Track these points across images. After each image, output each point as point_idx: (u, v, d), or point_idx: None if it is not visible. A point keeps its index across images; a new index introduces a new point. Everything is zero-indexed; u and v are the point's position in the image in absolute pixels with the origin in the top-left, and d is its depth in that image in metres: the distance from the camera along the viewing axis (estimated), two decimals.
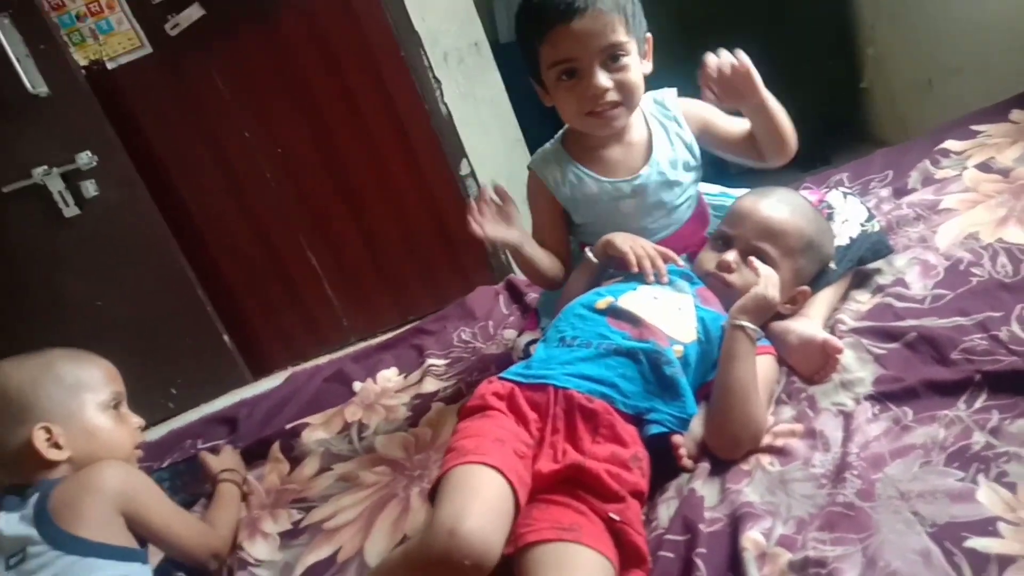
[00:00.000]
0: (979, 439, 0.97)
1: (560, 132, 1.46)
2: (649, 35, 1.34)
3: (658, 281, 1.24)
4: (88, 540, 1.10)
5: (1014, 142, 1.61)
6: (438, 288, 2.95)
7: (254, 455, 1.57)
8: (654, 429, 1.09)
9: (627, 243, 1.30)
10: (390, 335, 1.94)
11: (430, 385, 1.62)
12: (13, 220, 2.57)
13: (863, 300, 1.33)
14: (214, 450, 1.56)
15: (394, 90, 2.66)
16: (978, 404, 1.03)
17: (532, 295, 1.81)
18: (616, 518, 0.98)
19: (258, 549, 1.31)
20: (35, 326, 2.65)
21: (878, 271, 1.38)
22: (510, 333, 1.71)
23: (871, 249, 1.37)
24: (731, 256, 1.24)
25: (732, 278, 1.22)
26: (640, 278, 1.25)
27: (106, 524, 1.13)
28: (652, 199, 1.39)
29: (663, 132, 1.40)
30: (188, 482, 1.51)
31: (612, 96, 1.29)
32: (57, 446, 1.19)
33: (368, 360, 1.83)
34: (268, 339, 2.97)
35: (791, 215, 1.25)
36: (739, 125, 1.38)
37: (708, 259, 1.27)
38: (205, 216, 2.78)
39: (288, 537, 1.32)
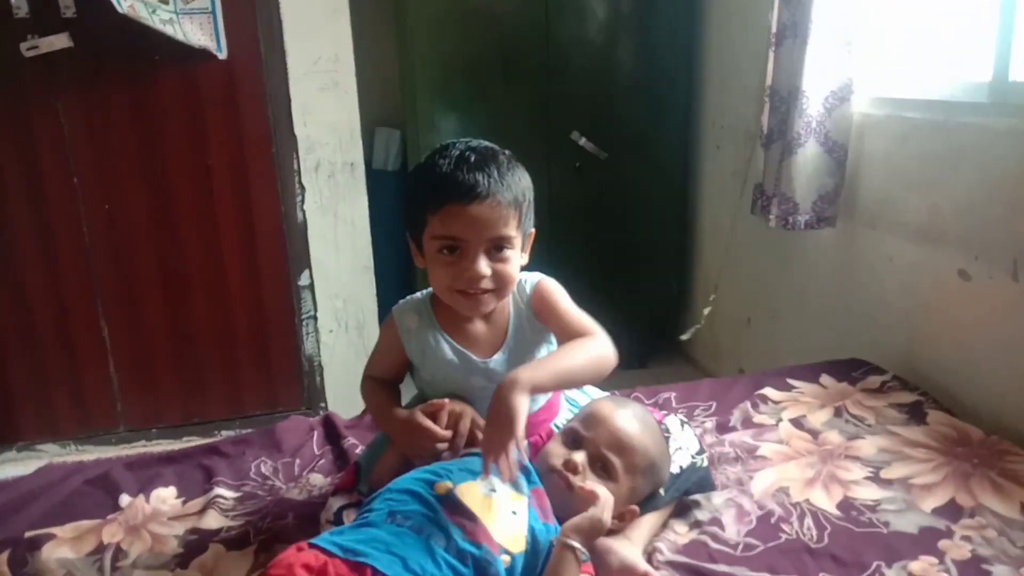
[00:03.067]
0: None
1: (431, 290, 1.41)
2: (533, 230, 1.34)
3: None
4: None
5: (822, 406, 1.77)
6: (237, 398, 2.73)
7: None
8: None
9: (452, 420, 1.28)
10: (177, 447, 1.72)
11: (213, 520, 1.42)
12: None
13: (680, 532, 1.35)
14: None
15: (254, 183, 2.55)
16: None
17: (351, 440, 1.69)
18: None
19: None
20: None
21: (696, 504, 1.42)
22: (317, 478, 1.57)
23: (697, 483, 1.41)
24: (580, 458, 1.21)
25: (575, 481, 1.20)
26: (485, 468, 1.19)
27: None
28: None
29: (519, 318, 1.39)
30: None
31: (487, 284, 1.26)
32: None
33: (144, 471, 1.60)
34: (20, 400, 2.57)
35: (642, 433, 1.26)
36: (564, 332, 1.33)
37: (556, 455, 1.24)
38: None
39: None
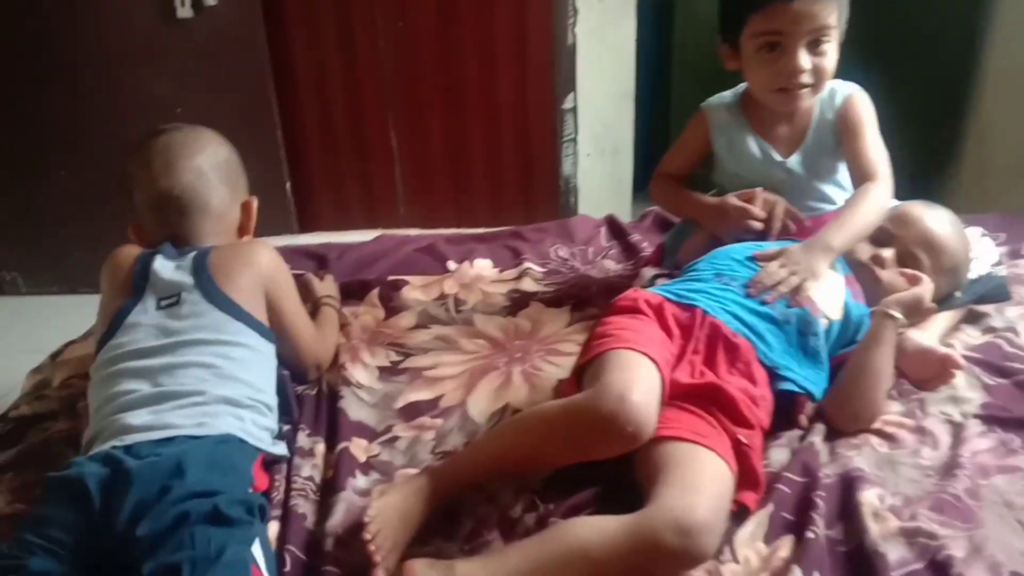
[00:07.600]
0: None
1: (739, 90, 1.49)
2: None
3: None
4: (238, 304, 1.14)
5: None
6: (500, 208, 2.98)
7: (349, 294, 1.60)
8: (785, 385, 1.15)
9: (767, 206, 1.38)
10: (483, 230, 1.97)
11: (528, 285, 1.65)
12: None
13: (974, 335, 1.40)
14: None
15: (532, 4, 2.67)
16: None
17: (636, 236, 1.85)
18: (744, 440, 1.04)
19: (359, 374, 1.35)
20: (106, 116, 2.65)
21: (989, 315, 1.45)
22: (610, 263, 1.76)
23: (992, 291, 1.44)
24: (888, 253, 1.30)
25: (883, 273, 1.29)
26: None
27: (253, 297, 1.17)
28: (802, 182, 1.44)
29: (821, 124, 1.43)
30: None
31: (806, 78, 1.33)
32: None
33: (461, 245, 1.86)
34: (323, 200, 2.98)
35: (953, 235, 1.31)
36: (856, 161, 1.38)
37: (863, 250, 1.32)
38: (307, 63, 2.76)
39: (387, 373, 1.37)
